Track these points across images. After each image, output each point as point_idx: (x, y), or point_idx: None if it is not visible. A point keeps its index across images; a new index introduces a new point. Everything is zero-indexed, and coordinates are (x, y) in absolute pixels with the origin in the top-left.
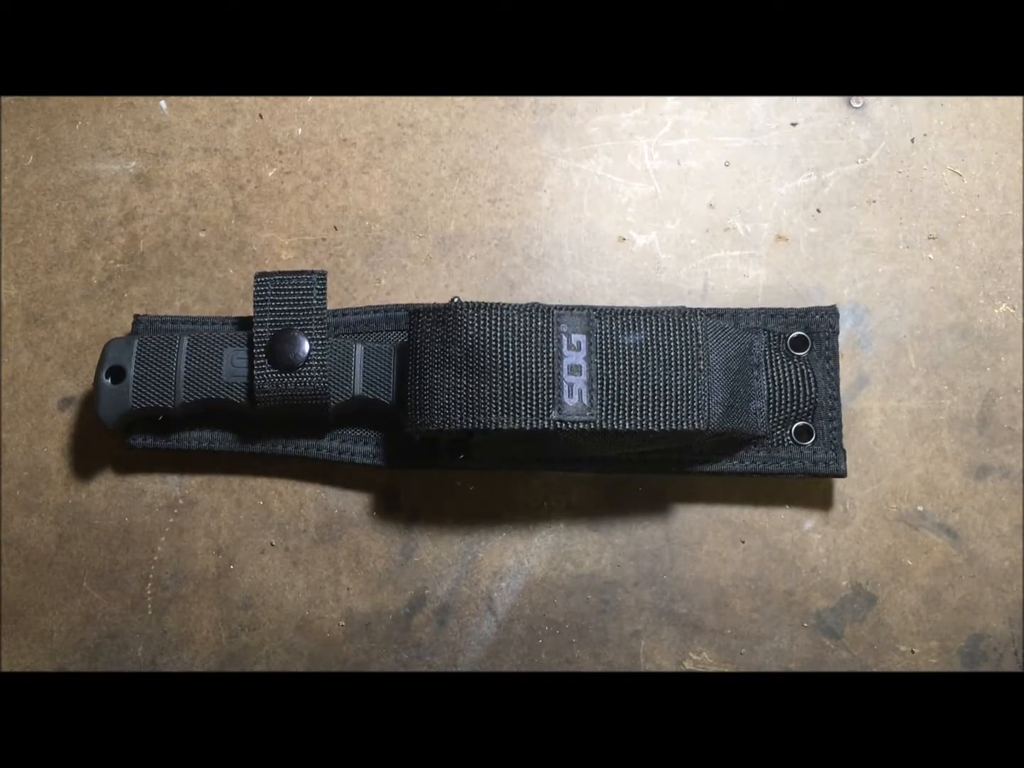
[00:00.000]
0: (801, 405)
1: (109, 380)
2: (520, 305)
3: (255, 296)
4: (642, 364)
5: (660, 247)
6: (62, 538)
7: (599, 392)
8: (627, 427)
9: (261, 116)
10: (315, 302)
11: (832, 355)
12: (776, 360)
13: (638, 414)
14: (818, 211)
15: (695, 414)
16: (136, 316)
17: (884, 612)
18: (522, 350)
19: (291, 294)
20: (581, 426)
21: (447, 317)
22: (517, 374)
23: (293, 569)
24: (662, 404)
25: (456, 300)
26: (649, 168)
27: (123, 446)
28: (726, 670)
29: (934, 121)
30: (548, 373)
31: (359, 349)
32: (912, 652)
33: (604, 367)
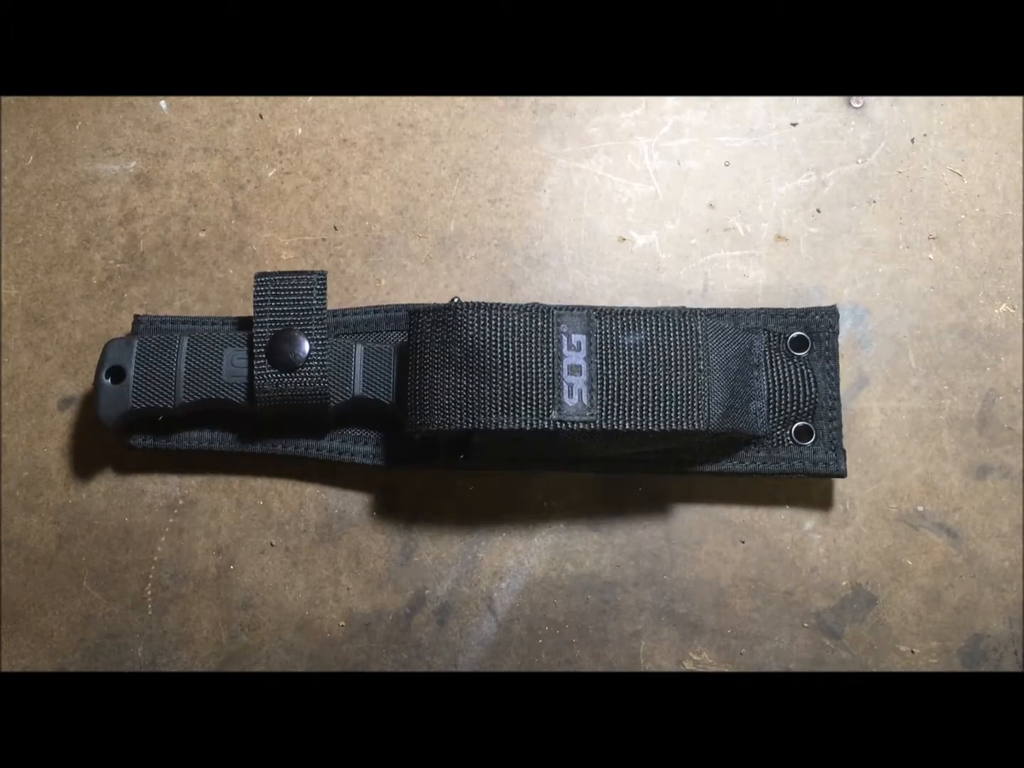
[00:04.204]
0: (801, 405)
1: (109, 380)
2: (520, 305)
3: (255, 296)
4: (642, 364)
5: (660, 247)
6: (62, 538)
7: (599, 392)
8: (627, 427)
9: (261, 116)
10: (315, 302)
11: (832, 355)
12: (776, 360)
13: (638, 414)
14: (818, 211)
15: (695, 414)
16: (136, 316)
17: (884, 612)
18: (522, 350)
19: (291, 294)
20: (581, 426)
21: (447, 317)
22: (517, 374)
23: (293, 569)
24: (662, 404)
25: (456, 300)
26: (649, 168)
27: (123, 446)
28: (726, 670)
29: (934, 121)
30: (548, 373)
31: (359, 349)
32: (912, 652)
33: (604, 367)
